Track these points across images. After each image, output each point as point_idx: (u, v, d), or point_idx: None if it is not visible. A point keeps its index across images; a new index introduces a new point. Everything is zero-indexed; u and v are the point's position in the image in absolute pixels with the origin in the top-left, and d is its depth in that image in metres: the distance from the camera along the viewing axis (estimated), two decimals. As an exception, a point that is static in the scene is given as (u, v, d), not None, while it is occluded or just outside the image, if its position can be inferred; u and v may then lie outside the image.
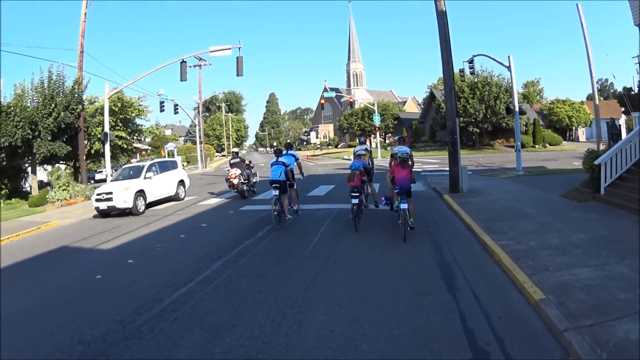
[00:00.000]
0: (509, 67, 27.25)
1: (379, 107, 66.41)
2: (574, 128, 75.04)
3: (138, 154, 65.52)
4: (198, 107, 62.73)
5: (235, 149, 28.09)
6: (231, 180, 21.19)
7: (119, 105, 34.50)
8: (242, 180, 21.37)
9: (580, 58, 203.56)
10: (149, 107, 39.71)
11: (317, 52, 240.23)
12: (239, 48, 28.51)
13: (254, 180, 23.14)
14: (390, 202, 13.10)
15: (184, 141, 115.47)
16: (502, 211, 13.72)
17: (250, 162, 23.59)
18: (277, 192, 14.03)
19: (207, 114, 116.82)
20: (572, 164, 31.21)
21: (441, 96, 60.49)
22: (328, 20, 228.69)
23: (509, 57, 27.24)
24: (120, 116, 35.07)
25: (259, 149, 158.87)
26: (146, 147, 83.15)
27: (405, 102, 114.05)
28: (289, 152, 16.06)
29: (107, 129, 28.53)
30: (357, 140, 19.29)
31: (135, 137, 37.00)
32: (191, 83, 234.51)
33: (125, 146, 34.97)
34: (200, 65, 56.06)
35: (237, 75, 28.57)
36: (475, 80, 51.92)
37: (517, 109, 26.89)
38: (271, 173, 14.41)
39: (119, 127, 35.08)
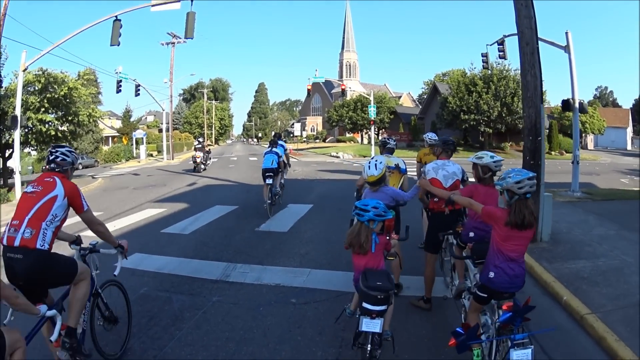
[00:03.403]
0: (565, 48, 19.55)
1: (374, 99, 59.02)
2: (585, 135, 68.51)
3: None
4: (170, 90, 55.78)
5: (200, 139, 34.04)
6: (195, 159, 30.74)
7: (42, 80, 25.93)
8: (202, 161, 31.00)
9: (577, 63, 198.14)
10: (98, 85, 32.14)
11: (310, 45, 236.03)
12: (191, 1, 21.36)
13: (209, 162, 33.50)
14: (465, 340, 4.58)
15: (167, 129, 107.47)
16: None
17: (209, 149, 34.64)
18: (270, 181, 14.41)
19: (192, 101, 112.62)
20: (620, 182, 26.00)
21: (447, 89, 54.25)
22: (322, 13, 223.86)
23: (566, 33, 19.57)
24: (48, 95, 26.47)
25: (243, 139, 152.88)
26: (114, 133, 77.13)
27: (400, 97, 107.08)
28: (279, 142, 15.97)
29: (18, 111, 21.30)
30: (382, 147, 8.90)
31: (70, 122, 28.21)
32: (177, 67, 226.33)
33: (53, 132, 26.44)
34: (174, 43, 50.09)
35: (186, 36, 22.33)
36: (490, 72, 44.97)
37: (577, 104, 18.99)
38: (264, 161, 14.85)
39: (45, 110, 26.50)
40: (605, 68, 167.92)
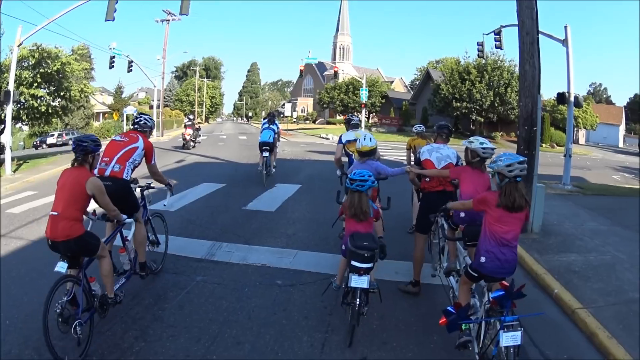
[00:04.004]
0: (564, 42, 19.28)
1: (366, 82, 58.51)
2: (577, 130, 68.48)
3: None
4: (162, 67, 54.91)
5: (191, 116, 34.33)
6: (185, 136, 29.85)
7: (36, 55, 25.35)
8: (191, 138, 30.09)
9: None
10: (91, 61, 31.66)
11: (304, 27, 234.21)
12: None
13: (199, 140, 32.12)
14: (456, 319, 4.57)
15: (157, 105, 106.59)
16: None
17: (199, 127, 33.58)
18: (266, 154, 15.65)
19: (184, 79, 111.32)
20: (611, 178, 26.05)
21: (440, 76, 53.92)
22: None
23: (565, 27, 19.27)
24: (41, 70, 25.91)
25: (233, 118, 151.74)
26: (105, 109, 76.29)
27: (392, 82, 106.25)
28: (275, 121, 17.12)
29: (11, 86, 20.91)
30: (347, 123, 10.56)
31: (62, 97, 27.64)
32: (171, 45, 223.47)
33: (44, 108, 25.93)
34: (169, 20, 49.19)
35: (181, 13, 22.85)
36: (484, 62, 44.68)
37: (572, 97, 18.76)
38: (261, 136, 16.01)
39: (38, 85, 25.97)
40: (600, 65, 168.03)
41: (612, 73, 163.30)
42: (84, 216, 5.36)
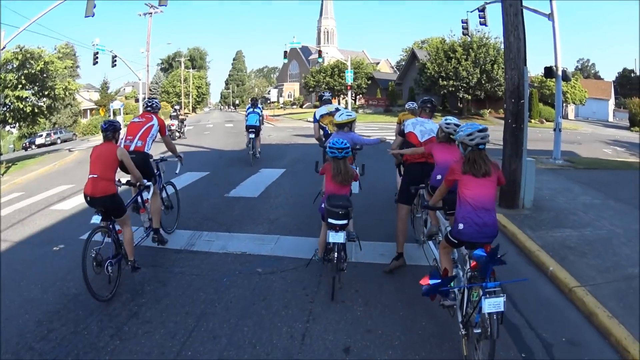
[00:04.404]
0: (549, 15, 18.85)
1: (352, 65, 57.94)
2: (566, 105, 68.16)
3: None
4: (147, 59, 54.02)
5: (177, 107, 35.47)
6: (170, 127, 28.07)
7: (19, 57, 24.87)
8: (177, 129, 29.21)
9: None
10: (76, 59, 31.40)
11: (288, 13, 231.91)
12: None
13: (184, 130, 31.10)
14: (437, 285, 4.53)
15: (143, 99, 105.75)
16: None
17: (184, 117, 32.90)
18: (252, 136, 16.79)
19: (170, 70, 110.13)
20: (602, 152, 25.66)
21: (425, 56, 53.45)
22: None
23: (550, 1, 18.85)
24: (25, 71, 25.44)
25: (221, 107, 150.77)
26: (92, 105, 75.37)
27: (378, 63, 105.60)
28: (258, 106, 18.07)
29: None
30: (320, 99, 11.49)
31: (46, 96, 27.27)
32: (155, 38, 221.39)
33: (29, 109, 25.51)
34: (151, 13, 48.20)
35: (160, 4, 23.80)
36: (469, 40, 44.27)
37: (559, 72, 18.39)
38: (247, 119, 17.05)
39: (22, 86, 25.56)
40: (587, 41, 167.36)
41: (599, 49, 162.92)
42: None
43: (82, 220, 9.94)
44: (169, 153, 9.12)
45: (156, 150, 8.93)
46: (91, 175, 6.40)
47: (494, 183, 4.68)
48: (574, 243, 7.75)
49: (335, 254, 5.91)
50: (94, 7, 23.20)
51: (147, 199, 8.04)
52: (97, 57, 38.64)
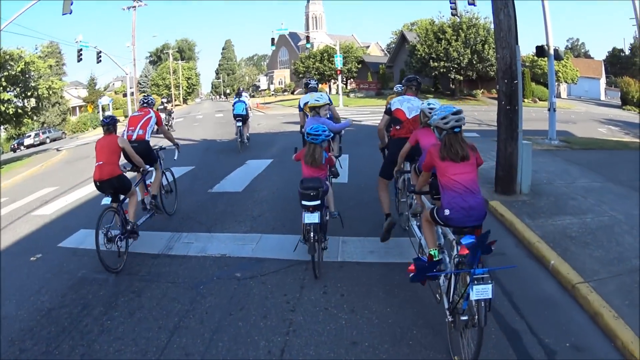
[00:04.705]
0: (539, -9, 18.29)
1: (341, 49, 57.28)
2: (558, 84, 67.66)
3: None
4: (132, 53, 53.37)
5: (164, 99, 33.01)
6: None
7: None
8: (164, 122, 25.50)
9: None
10: (62, 57, 30.89)
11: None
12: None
13: (172, 122, 29.05)
14: (424, 270, 4.57)
15: (131, 93, 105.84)
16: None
17: (172, 110, 30.94)
18: (240, 124, 17.49)
19: (159, 63, 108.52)
20: (598, 131, 25.37)
21: (415, 38, 52.86)
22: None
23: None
24: (5, 73, 24.89)
25: (212, 97, 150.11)
26: (81, 102, 74.62)
27: (368, 46, 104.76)
28: (243, 94, 18.79)
29: None
30: (305, 87, 11.41)
31: (29, 97, 26.83)
32: (143, 31, 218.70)
33: (12, 111, 24.98)
34: (135, 7, 47.69)
35: None
36: (459, 20, 43.70)
37: (551, 50, 17.81)
38: (235, 108, 17.70)
39: (4, 88, 25.02)
40: (577, 20, 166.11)
41: (588, 28, 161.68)
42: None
43: (62, 225, 9.92)
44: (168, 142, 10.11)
45: (153, 141, 9.43)
46: (98, 163, 7.38)
47: (474, 166, 4.56)
48: (575, 232, 7.27)
49: (312, 234, 6.04)
50: (71, 4, 23.07)
51: (150, 182, 9.15)
52: (80, 54, 38.55)
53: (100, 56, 42.14)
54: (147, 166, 8.64)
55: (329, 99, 9.48)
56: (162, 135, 9.85)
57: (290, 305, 5.53)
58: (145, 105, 9.50)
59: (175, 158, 10.00)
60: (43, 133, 48.26)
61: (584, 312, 5.22)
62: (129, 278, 6.73)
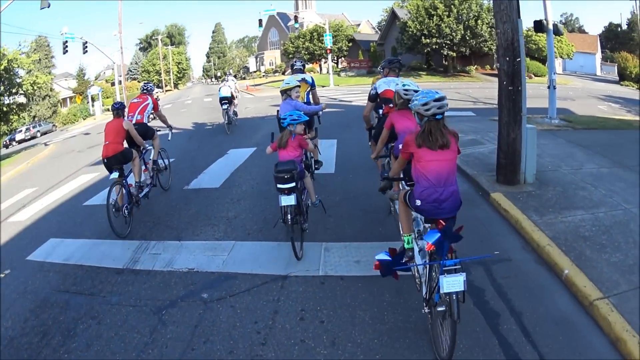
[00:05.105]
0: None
1: (330, 28, 56.14)
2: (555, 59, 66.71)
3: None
4: (119, 41, 52.43)
5: (150, 84, 29.87)
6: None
7: None
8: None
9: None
10: (50, 50, 30.87)
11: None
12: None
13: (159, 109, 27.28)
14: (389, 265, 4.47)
15: (119, 82, 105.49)
16: None
17: (157, 97, 25.68)
18: (225, 106, 18.18)
19: (149, 49, 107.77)
20: (597, 108, 24.39)
21: (406, 14, 51.63)
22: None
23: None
24: None
25: (203, 81, 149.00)
26: (71, 93, 73.62)
27: (358, 25, 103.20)
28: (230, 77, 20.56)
29: None
30: (291, 68, 12.24)
31: (14, 94, 26.29)
32: (131, 19, 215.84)
33: None
34: None
35: None
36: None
37: (550, 25, 16.82)
38: (220, 92, 18.58)
39: None
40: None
41: (582, 2, 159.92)
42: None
43: (34, 233, 9.25)
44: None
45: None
46: (105, 143, 8.54)
47: (453, 155, 4.36)
48: (588, 230, 6.44)
49: (289, 216, 6.11)
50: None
51: (149, 161, 9.99)
52: (66, 46, 38.84)
53: (87, 47, 42.36)
54: (147, 144, 9.86)
55: (312, 81, 10.05)
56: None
57: (261, 337, 4.70)
58: (144, 91, 10.54)
59: (169, 139, 11.16)
60: (34, 127, 47.46)
61: (604, 336, 4.43)
62: (90, 300, 5.98)
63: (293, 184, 6.11)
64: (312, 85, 10.09)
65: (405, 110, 5.93)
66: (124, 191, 8.30)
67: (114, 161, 8.41)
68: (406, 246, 4.79)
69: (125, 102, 48.75)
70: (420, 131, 4.37)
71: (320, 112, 9.29)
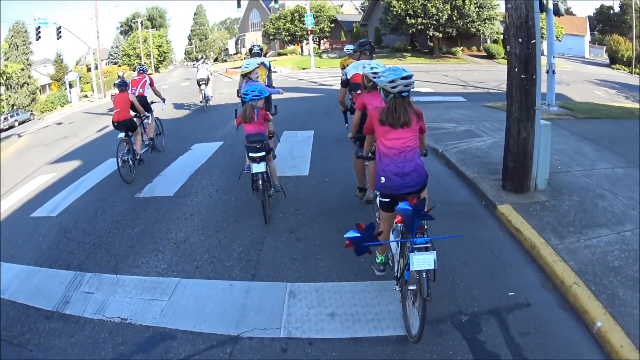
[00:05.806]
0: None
1: (312, 9, 54.63)
2: (542, 40, 65.92)
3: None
4: (95, 25, 50.97)
5: (120, 73, 30.69)
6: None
7: None
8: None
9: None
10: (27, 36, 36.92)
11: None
12: None
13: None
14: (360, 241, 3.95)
15: (95, 67, 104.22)
16: None
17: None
18: (203, 87, 19.58)
19: (130, 32, 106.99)
20: (595, 94, 23.43)
21: (391, -7, 49.97)
22: None
23: None
24: None
25: (185, 63, 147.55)
26: (50, 80, 71.92)
27: (342, 5, 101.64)
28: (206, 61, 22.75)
29: None
30: (249, 52, 11.96)
31: None
32: (107, 3, 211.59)
33: None
34: None
35: None
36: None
37: (550, 5, 15.44)
38: (197, 74, 19.92)
39: None
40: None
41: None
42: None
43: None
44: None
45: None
46: (116, 110, 10.43)
47: (415, 133, 4.47)
48: (617, 258, 5.18)
49: (260, 182, 6.78)
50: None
51: (147, 125, 12.10)
52: (39, 32, 39.55)
53: (60, 32, 41.92)
54: (146, 113, 11.90)
55: (269, 65, 11.24)
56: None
57: None
58: (141, 71, 12.99)
59: (163, 109, 14.09)
60: (11, 117, 45.58)
61: None
62: (18, 354, 4.90)
63: (264, 153, 6.83)
64: (270, 69, 11.32)
65: (375, 91, 5.84)
66: (130, 147, 10.38)
67: (122, 125, 10.40)
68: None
69: (102, 87, 45.54)
70: (385, 107, 4.45)
71: (279, 95, 10.63)
